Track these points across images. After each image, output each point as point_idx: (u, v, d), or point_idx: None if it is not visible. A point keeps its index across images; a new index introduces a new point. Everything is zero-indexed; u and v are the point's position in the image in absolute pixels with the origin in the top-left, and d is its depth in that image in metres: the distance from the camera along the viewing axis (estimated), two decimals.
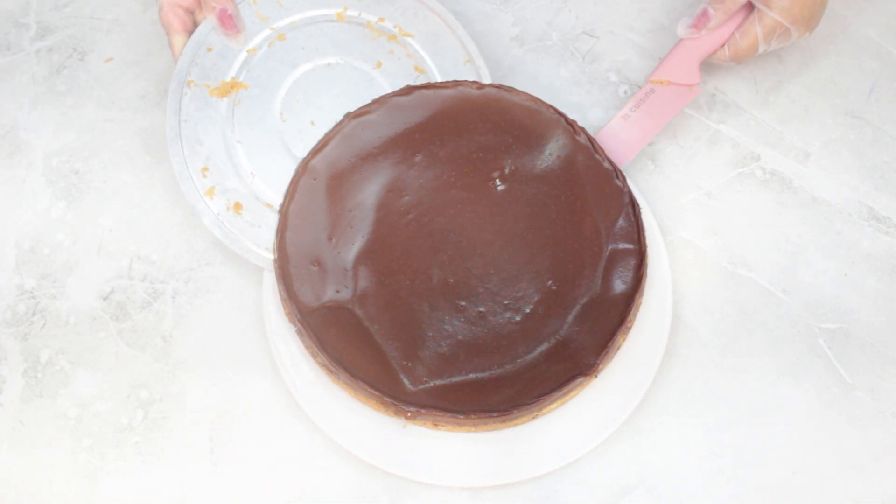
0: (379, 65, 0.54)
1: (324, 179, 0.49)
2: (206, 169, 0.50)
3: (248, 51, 0.53)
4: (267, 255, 0.49)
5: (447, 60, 0.54)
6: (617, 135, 0.53)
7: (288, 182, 0.50)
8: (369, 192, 0.49)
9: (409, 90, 0.51)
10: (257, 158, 0.51)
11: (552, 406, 0.47)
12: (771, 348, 0.50)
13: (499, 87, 0.51)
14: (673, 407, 0.49)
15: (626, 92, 0.57)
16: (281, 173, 0.51)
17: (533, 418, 0.47)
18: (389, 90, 0.53)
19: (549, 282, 0.47)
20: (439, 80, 0.54)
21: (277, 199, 0.50)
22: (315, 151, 0.50)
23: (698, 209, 0.54)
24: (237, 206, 0.49)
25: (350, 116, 0.50)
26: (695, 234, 0.53)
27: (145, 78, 0.58)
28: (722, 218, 0.54)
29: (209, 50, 0.52)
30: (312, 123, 0.52)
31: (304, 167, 0.49)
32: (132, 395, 0.49)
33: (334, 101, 0.52)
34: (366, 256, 0.48)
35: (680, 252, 0.52)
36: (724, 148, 0.56)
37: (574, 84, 0.57)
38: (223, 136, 0.51)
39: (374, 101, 0.51)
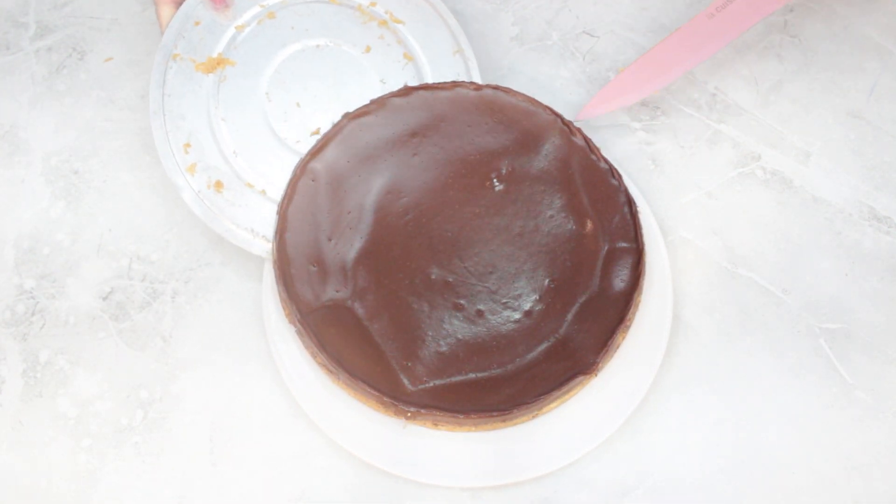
0: (368, 49, 0.53)
1: (322, 181, 0.49)
2: (188, 145, 0.49)
3: (236, 27, 0.52)
4: (246, 236, 0.49)
5: (436, 50, 0.54)
6: (698, 32, 0.54)
7: (285, 181, 0.50)
8: (368, 193, 0.49)
9: (407, 91, 0.51)
10: (241, 137, 0.50)
11: (552, 405, 0.47)
12: (771, 348, 0.50)
13: (496, 87, 0.52)
14: (673, 407, 0.48)
15: None
16: (264, 153, 0.50)
17: (533, 417, 0.47)
18: (376, 75, 0.52)
19: (548, 280, 0.48)
20: (427, 68, 0.53)
21: (259, 179, 0.50)
22: (314, 153, 0.50)
23: (699, 209, 0.54)
24: (218, 184, 0.49)
25: (349, 117, 0.50)
26: (695, 234, 0.53)
27: (145, 78, 0.57)
28: (722, 218, 0.53)
29: (196, 24, 0.51)
30: (298, 105, 0.51)
31: (302, 168, 0.49)
32: (132, 395, 0.49)
33: (321, 84, 0.52)
34: (365, 257, 0.48)
35: (680, 252, 0.52)
36: (724, 148, 0.55)
37: (574, 84, 0.57)
38: (207, 112, 0.50)
39: (373, 102, 0.51)
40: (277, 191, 0.50)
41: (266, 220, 0.50)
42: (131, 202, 0.54)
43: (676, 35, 0.54)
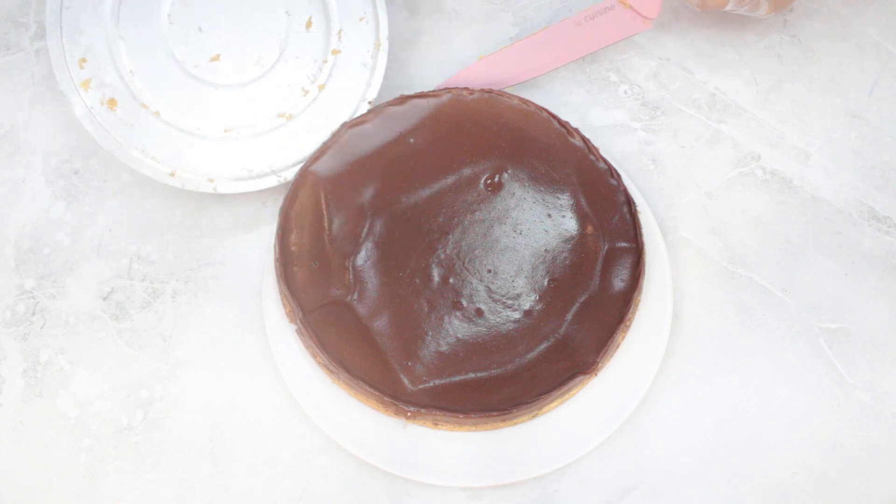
0: None
1: (323, 185, 0.49)
2: (83, 60, 0.49)
3: None
4: (136, 155, 0.49)
5: None
6: (564, 37, 0.55)
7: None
8: (367, 196, 0.49)
9: (402, 100, 0.51)
10: (138, 57, 0.49)
11: (552, 405, 0.47)
12: (771, 348, 0.50)
13: (490, 91, 0.52)
14: (673, 407, 0.48)
15: (626, 92, 0.57)
16: (161, 75, 0.50)
17: (533, 417, 0.47)
18: (282, 7, 0.51)
19: (547, 280, 0.48)
20: (334, 4, 0.52)
21: (154, 101, 0.49)
22: (314, 159, 0.50)
23: (698, 209, 0.53)
24: (111, 101, 0.49)
25: (347, 126, 0.51)
26: (695, 234, 0.53)
27: None
28: (722, 218, 0.53)
29: None
30: (200, 30, 0.50)
31: (304, 173, 0.50)
32: (132, 395, 0.49)
33: (225, 10, 0.51)
34: (365, 257, 0.48)
35: (680, 252, 0.52)
36: (724, 147, 0.55)
37: (574, 84, 0.57)
38: (105, 29, 0.49)
39: (370, 112, 0.51)
40: (172, 113, 0.50)
41: (159, 141, 0.50)
42: (131, 202, 0.53)
43: (539, 36, 0.55)
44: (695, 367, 0.49)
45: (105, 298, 0.51)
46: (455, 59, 0.57)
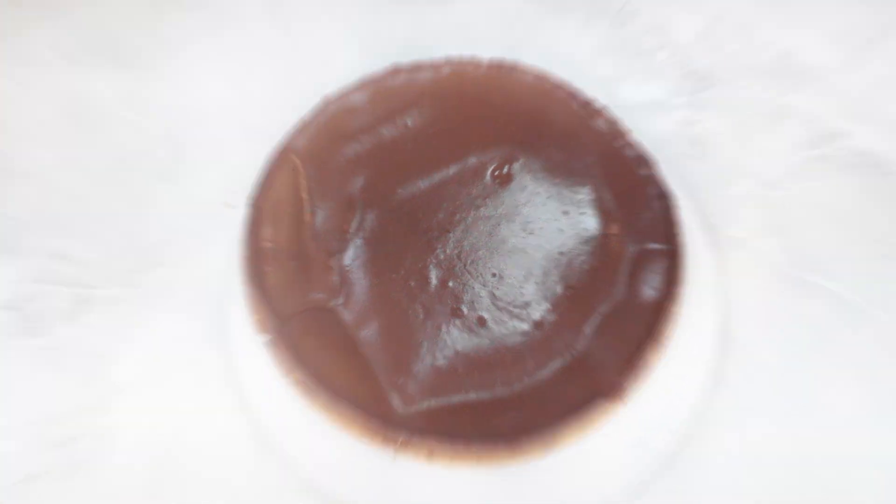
0: None
1: (304, 169, 0.48)
2: None
3: None
4: None
5: None
6: None
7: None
8: (357, 184, 0.48)
9: (396, 72, 0.50)
10: None
11: (570, 437, 0.42)
12: (855, 378, 0.45)
13: (500, 65, 0.50)
14: (726, 451, 0.44)
15: (665, 59, 0.53)
16: None
17: (547, 452, 0.42)
18: None
19: (561, 287, 0.45)
20: None
21: None
22: (293, 137, 0.48)
23: (755, 202, 0.49)
24: None
25: (332, 99, 0.49)
26: (750, 233, 0.49)
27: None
28: (786, 212, 0.49)
29: None
30: None
31: (281, 155, 0.48)
32: (45, 433, 0.43)
33: None
34: (354, 256, 0.46)
35: (732, 255, 0.48)
36: (792, 125, 0.51)
37: (599, 53, 0.53)
38: None
39: (359, 86, 0.50)
40: None
41: None
42: (51, 187, 0.49)
43: None
44: (753, 400, 0.45)
45: (14, 308, 0.46)
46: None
